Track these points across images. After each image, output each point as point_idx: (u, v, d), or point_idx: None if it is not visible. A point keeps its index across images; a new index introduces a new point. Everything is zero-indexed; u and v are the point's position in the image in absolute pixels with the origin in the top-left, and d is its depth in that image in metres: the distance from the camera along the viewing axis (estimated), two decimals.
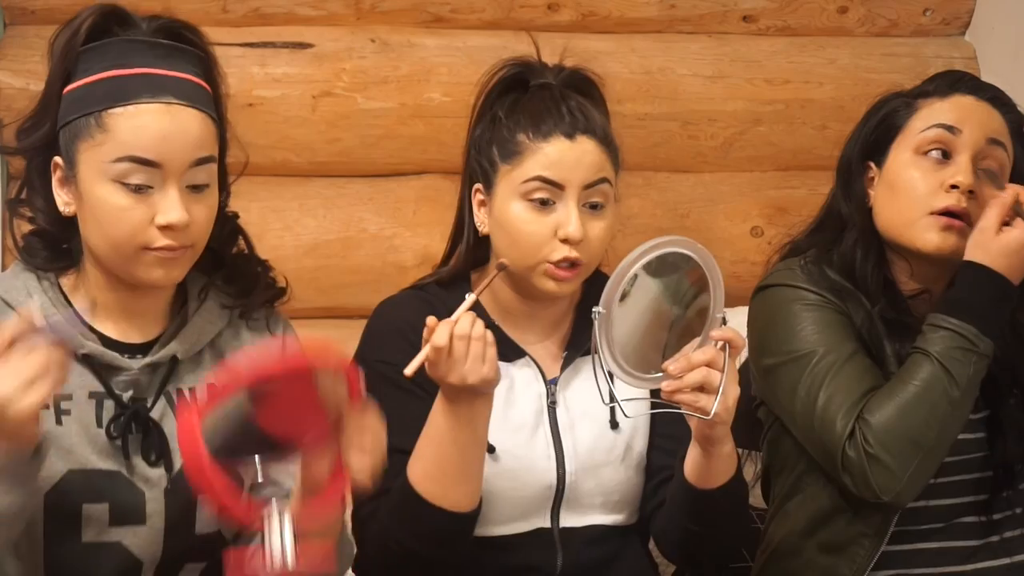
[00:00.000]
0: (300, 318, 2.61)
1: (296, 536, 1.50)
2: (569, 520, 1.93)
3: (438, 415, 1.79)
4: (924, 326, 1.92)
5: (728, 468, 1.82)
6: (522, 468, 1.90)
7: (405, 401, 1.85)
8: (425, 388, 1.83)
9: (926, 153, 1.99)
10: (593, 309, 1.70)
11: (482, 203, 1.94)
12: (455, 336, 1.72)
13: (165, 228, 1.64)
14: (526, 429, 1.92)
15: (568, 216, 1.86)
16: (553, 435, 1.93)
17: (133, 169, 1.63)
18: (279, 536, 1.49)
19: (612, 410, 1.94)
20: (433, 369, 1.74)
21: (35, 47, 2.68)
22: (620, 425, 1.95)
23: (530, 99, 1.93)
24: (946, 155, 1.98)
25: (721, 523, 1.87)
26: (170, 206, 1.63)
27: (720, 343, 1.72)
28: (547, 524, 1.92)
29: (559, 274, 1.88)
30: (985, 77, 2.76)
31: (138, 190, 1.64)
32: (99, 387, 1.69)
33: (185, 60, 1.70)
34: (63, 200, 1.69)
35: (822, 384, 1.92)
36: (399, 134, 2.84)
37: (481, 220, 1.94)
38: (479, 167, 1.94)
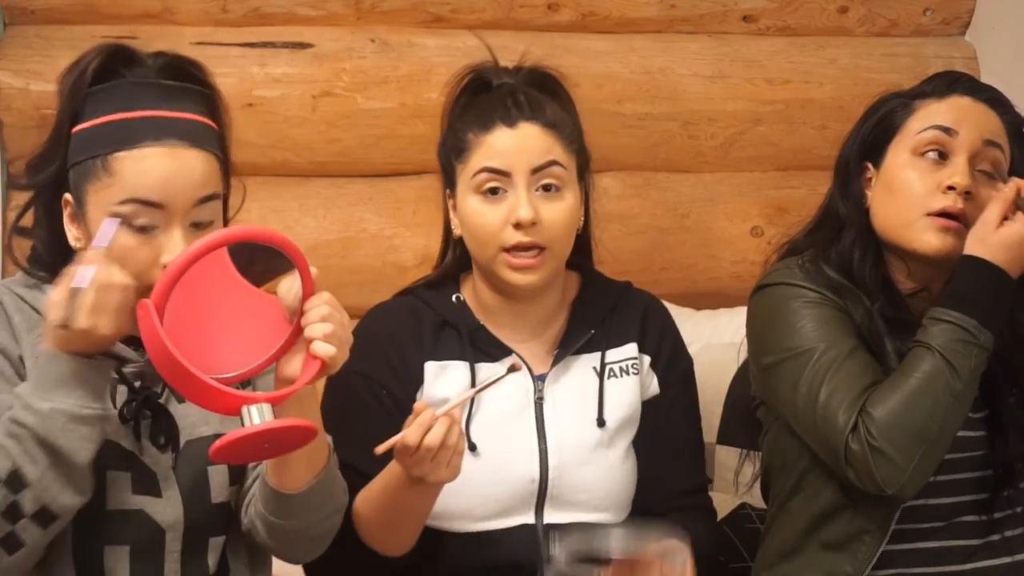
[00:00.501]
0: None
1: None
2: (553, 516, 1.94)
3: (395, 475, 1.80)
4: (924, 319, 1.93)
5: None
6: (504, 463, 1.91)
7: (366, 418, 1.89)
8: (398, 402, 1.90)
9: (923, 154, 1.99)
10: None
11: (453, 207, 1.96)
12: (424, 445, 1.71)
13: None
14: (510, 425, 1.93)
15: (517, 200, 1.88)
16: (538, 431, 1.94)
17: (138, 211, 1.66)
18: (257, 415, 1.53)
19: (600, 408, 1.95)
20: (398, 456, 1.75)
21: (35, 47, 2.68)
22: (607, 423, 1.96)
23: (482, 100, 1.96)
24: (943, 156, 1.98)
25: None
26: (174, 247, 1.66)
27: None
28: (531, 520, 1.93)
29: (515, 262, 1.90)
30: (985, 77, 2.77)
31: (143, 231, 1.67)
32: (114, 374, 1.72)
33: (190, 99, 1.73)
34: (73, 235, 1.73)
35: (824, 380, 1.92)
36: (399, 134, 2.84)
37: (455, 223, 1.97)
38: (444, 172, 1.99)
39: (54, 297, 1.57)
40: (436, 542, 1.93)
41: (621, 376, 1.99)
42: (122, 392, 1.74)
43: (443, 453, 1.72)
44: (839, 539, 1.99)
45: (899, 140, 2.02)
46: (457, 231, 1.97)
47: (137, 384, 1.75)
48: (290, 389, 1.59)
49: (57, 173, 1.72)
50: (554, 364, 1.98)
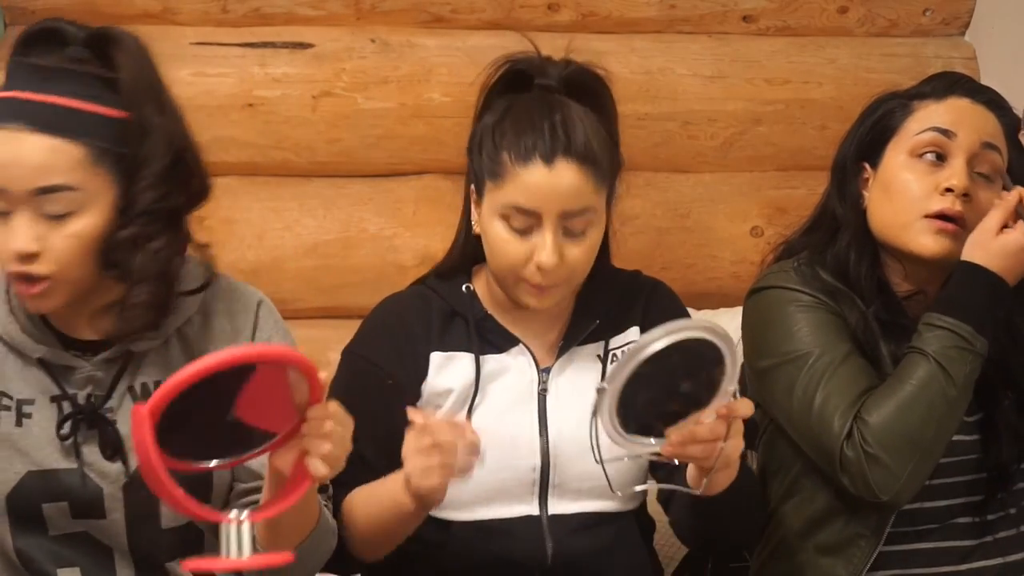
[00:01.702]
0: (300, 318, 2.63)
1: (256, 545, 1.49)
2: (557, 507, 1.94)
3: (395, 495, 1.81)
4: (920, 325, 1.93)
5: (727, 477, 1.79)
6: (504, 451, 1.91)
7: (370, 407, 1.88)
8: (398, 392, 1.89)
9: (921, 156, 1.99)
10: (596, 386, 1.64)
11: (476, 203, 1.95)
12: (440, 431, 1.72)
13: (13, 255, 1.63)
14: (513, 414, 1.94)
15: (543, 243, 1.86)
16: (540, 421, 1.94)
17: None
18: (236, 542, 1.46)
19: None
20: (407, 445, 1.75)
21: None
22: None
23: (519, 106, 1.91)
24: (940, 158, 1.98)
25: (728, 522, 1.87)
26: (14, 234, 1.62)
27: (727, 417, 1.68)
28: (535, 511, 1.93)
29: (536, 292, 1.90)
30: (985, 77, 2.77)
31: None
32: (56, 390, 1.70)
33: (75, 83, 1.66)
34: None
35: (818, 385, 1.92)
36: (399, 134, 2.84)
37: (475, 219, 1.95)
38: (473, 171, 1.95)
39: None
40: (443, 531, 1.94)
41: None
42: (67, 408, 1.70)
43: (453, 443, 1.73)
44: (834, 543, 1.99)
45: (897, 141, 2.02)
46: (476, 229, 1.95)
47: (87, 391, 1.71)
48: (273, 510, 1.53)
49: None
50: (559, 355, 1.98)
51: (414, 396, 1.92)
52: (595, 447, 1.69)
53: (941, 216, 1.95)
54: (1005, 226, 1.91)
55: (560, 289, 1.91)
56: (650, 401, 1.64)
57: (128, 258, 1.67)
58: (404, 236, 2.83)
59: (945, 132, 1.98)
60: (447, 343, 1.96)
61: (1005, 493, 2.01)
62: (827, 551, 2.00)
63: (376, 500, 1.88)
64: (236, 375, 1.46)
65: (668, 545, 2.33)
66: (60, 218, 1.63)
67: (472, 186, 1.95)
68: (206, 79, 2.77)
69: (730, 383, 1.67)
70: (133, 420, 1.41)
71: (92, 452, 1.70)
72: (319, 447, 1.52)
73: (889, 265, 2.02)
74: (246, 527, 1.46)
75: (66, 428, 1.69)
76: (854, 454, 1.88)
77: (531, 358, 1.97)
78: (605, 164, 1.90)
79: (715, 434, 1.68)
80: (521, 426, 1.94)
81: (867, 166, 2.05)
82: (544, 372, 1.97)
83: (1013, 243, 1.90)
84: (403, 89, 2.83)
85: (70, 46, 1.69)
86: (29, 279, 1.64)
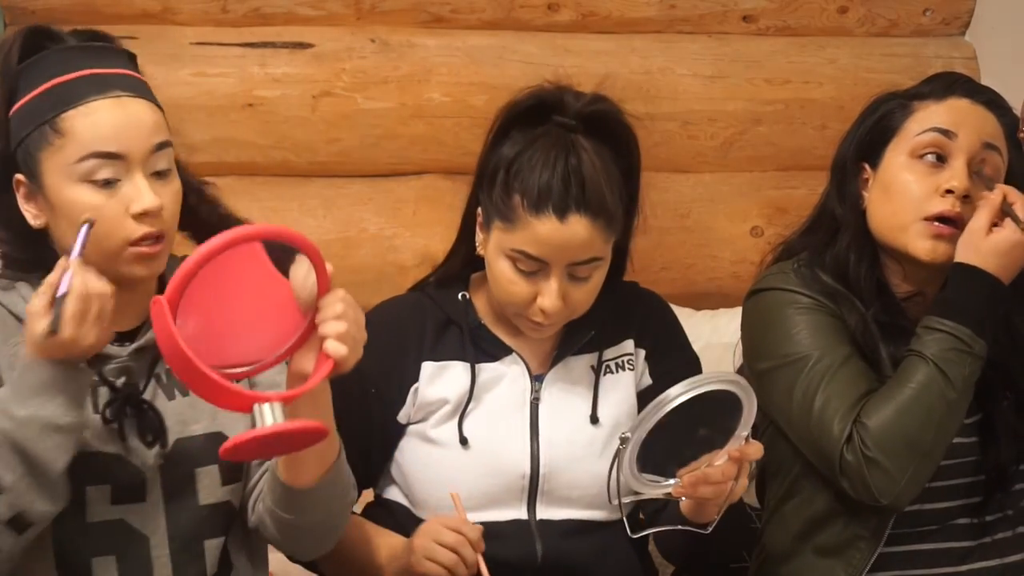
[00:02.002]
0: None
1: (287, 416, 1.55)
2: (546, 512, 1.94)
3: (401, 553, 1.87)
4: (918, 328, 1.92)
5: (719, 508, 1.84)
6: (493, 458, 1.92)
7: (363, 410, 1.91)
8: (388, 398, 1.92)
9: (921, 157, 1.99)
10: (620, 435, 1.71)
11: (481, 225, 1.95)
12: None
13: (141, 216, 1.67)
14: (504, 421, 1.94)
15: (548, 290, 1.87)
16: (531, 429, 1.94)
17: (98, 165, 1.66)
18: (271, 417, 1.53)
19: (594, 405, 1.96)
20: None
21: None
22: (600, 420, 1.96)
23: (538, 145, 1.89)
24: (941, 159, 1.98)
25: (715, 541, 1.87)
26: (141, 194, 1.66)
27: (738, 460, 1.75)
28: (524, 516, 1.94)
29: (535, 328, 1.93)
30: (985, 77, 2.77)
31: (106, 185, 1.66)
32: (93, 376, 1.71)
33: (119, 58, 1.74)
34: (32, 214, 1.71)
35: (818, 388, 1.92)
36: (399, 134, 2.84)
37: (479, 241, 1.95)
38: (482, 199, 1.94)
39: (35, 307, 1.56)
40: None
41: (617, 372, 1.99)
42: (103, 394, 1.72)
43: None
44: (833, 544, 1.99)
45: (897, 142, 2.02)
46: (480, 250, 1.95)
47: (121, 380, 1.73)
48: (302, 388, 1.59)
49: (2, 158, 1.71)
50: (552, 365, 1.98)
51: (399, 404, 1.93)
52: (613, 490, 1.75)
53: (940, 218, 1.95)
54: (994, 224, 1.90)
55: (560, 324, 1.94)
56: (667, 446, 1.72)
57: (199, 212, 1.80)
58: (404, 236, 2.84)
59: (946, 132, 1.98)
60: (440, 352, 1.97)
61: (1004, 494, 2.00)
62: (827, 552, 2.00)
63: (371, 544, 1.93)
64: (244, 276, 1.56)
65: None
66: (164, 175, 1.70)
67: (480, 209, 1.95)
68: (206, 79, 2.78)
69: (744, 429, 1.74)
70: (153, 312, 1.47)
71: (131, 437, 1.73)
72: (334, 328, 1.58)
73: (888, 266, 2.02)
74: (278, 406, 1.53)
75: (109, 413, 1.72)
76: (854, 458, 1.88)
77: (524, 367, 1.97)
78: (618, 212, 1.91)
79: (726, 476, 1.74)
80: (512, 434, 1.94)
81: (867, 166, 2.05)
82: (537, 380, 1.97)
83: (1004, 241, 1.89)
84: (403, 89, 2.83)
85: (69, 40, 1.75)
86: (155, 239, 1.69)
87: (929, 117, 2.00)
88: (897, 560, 1.98)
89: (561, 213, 1.84)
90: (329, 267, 1.60)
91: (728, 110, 2.96)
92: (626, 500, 1.82)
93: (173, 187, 1.72)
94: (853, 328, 1.97)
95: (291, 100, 2.80)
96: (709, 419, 1.72)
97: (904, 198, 1.97)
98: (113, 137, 1.66)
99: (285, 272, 1.62)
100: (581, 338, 1.99)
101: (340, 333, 1.58)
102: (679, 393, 1.67)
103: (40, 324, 1.55)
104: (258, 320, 1.61)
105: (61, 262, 1.59)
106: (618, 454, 1.70)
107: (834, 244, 2.03)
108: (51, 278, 1.57)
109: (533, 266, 1.87)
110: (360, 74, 2.82)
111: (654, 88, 2.92)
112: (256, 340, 1.61)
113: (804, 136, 2.99)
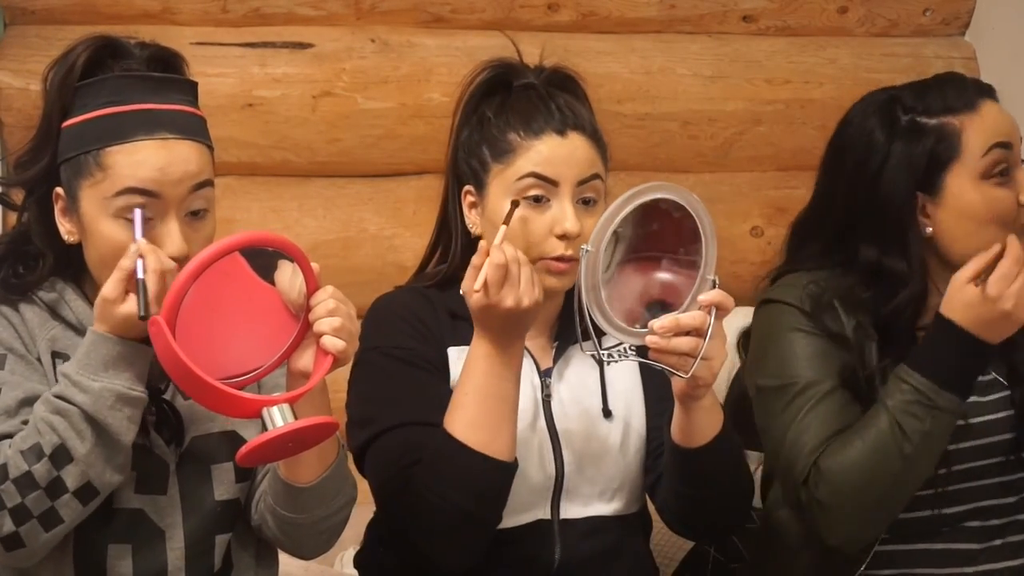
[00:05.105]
0: None
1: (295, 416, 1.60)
2: (569, 511, 1.93)
3: (480, 360, 1.81)
4: (891, 376, 1.90)
5: (711, 424, 1.83)
6: (522, 460, 1.91)
7: (424, 380, 1.90)
8: (437, 366, 1.90)
9: (990, 176, 1.94)
10: (581, 247, 1.72)
11: (473, 204, 1.95)
12: (510, 259, 1.74)
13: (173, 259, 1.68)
14: (524, 422, 1.93)
15: (564, 212, 1.87)
16: (549, 427, 1.94)
17: (133, 201, 1.67)
18: (281, 418, 1.58)
19: (604, 399, 1.95)
20: (488, 294, 1.74)
21: (35, 47, 2.69)
22: (613, 413, 1.96)
23: (517, 99, 1.94)
24: (1005, 173, 1.95)
25: (712, 484, 1.87)
26: (172, 240, 1.68)
27: (708, 307, 1.74)
28: (547, 516, 1.93)
29: (556, 267, 1.89)
30: (985, 77, 2.77)
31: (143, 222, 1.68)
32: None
33: (177, 91, 1.74)
34: (66, 229, 1.73)
35: (793, 420, 1.91)
36: (399, 134, 2.84)
37: (473, 221, 1.95)
38: (468, 168, 1.95)
39: (109, 293, 1.61)
40: None
41: (619, 359, 1.98)
42: None
43: (526, 269, 1.76)
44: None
45: (959, 167, 1.94)
46: (476, 230, 1.95)
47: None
48: (306, 387, 1.63)
49: (48, 168, 1.73)
50: (556, 357, 1.98)
51: (441, 364, 1.93)
52: (583, 329, 1.76)
53: None
54: (978, 277, 1.84)
55: (575, 265, 1.90)
56: (635, 288, 1.74)
57: None
58: (404, 236, 2.84)
59: (1006, 145, 1.95)
60: (459, 338, 1.95)
61: (1015, 498, 1.99)
62: (826, 556, 1.99)
63: (468, 384, 1.83)
64: (229, 289, 1.61)
65: (668, 545, 2.33)
66: (200, 215, 1.72)
67: (468, 187, 1.95)
68: (206, 79, 2.74)
69: (708, 270, 1.74)
70: (151, 332, 1.54)
71: (153, 432, 1.76)
72: (329, 324, 1.63)
73: (932, 294, 1.96)
74: (286, 406, 1.59)
75: None
76: (807, 498, 1.89)
77: (532, 363, 1.96)
78: (604, 146, 1.95)
79: (698, 321, 1.72)
80: (532, 439, 1.93)
81: (920, 194, 1.96)
82: (545, 376, 1.97)
83: (972, 296, 1.84)
84: (403, 89, 2.84)
85: (134, 54, 1.75)
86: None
87: (986, 134, 1.94)
88: (904, 559, 1.98)
89: (559, 131, 1.90)
90: (315, 265, 1.64)
91: (728, 110, 2.96)
92: (604, 350, 1.81)
93: (206, 229, 1.73)
94: (855, 364, 1.94)
95: (291, 100, 2.80)
96: (671, 248, 1.76)
97: (995, 220, 1.92)
98: (151, 179, 1.67)
99: (270, 280, 1.66)
100: (578, 325, 1.98)
101: (335, 328, 1.63)
102: (629, 197, 1.73)
103: (120, 308, 1.60)
104: (251, 329, 1.65)
105: (132, 247, 1.63)
106: (579, 271, 1.71)
107: (885, 298, 1.96)
108: (124, 263, 1.61)
109: (543, 189, 1.88)
110: (360, 74, 2.83)
111: (654, 88, 2.92)
112: (252, 348, 1.65)
113: (804, 136, 2.99)
